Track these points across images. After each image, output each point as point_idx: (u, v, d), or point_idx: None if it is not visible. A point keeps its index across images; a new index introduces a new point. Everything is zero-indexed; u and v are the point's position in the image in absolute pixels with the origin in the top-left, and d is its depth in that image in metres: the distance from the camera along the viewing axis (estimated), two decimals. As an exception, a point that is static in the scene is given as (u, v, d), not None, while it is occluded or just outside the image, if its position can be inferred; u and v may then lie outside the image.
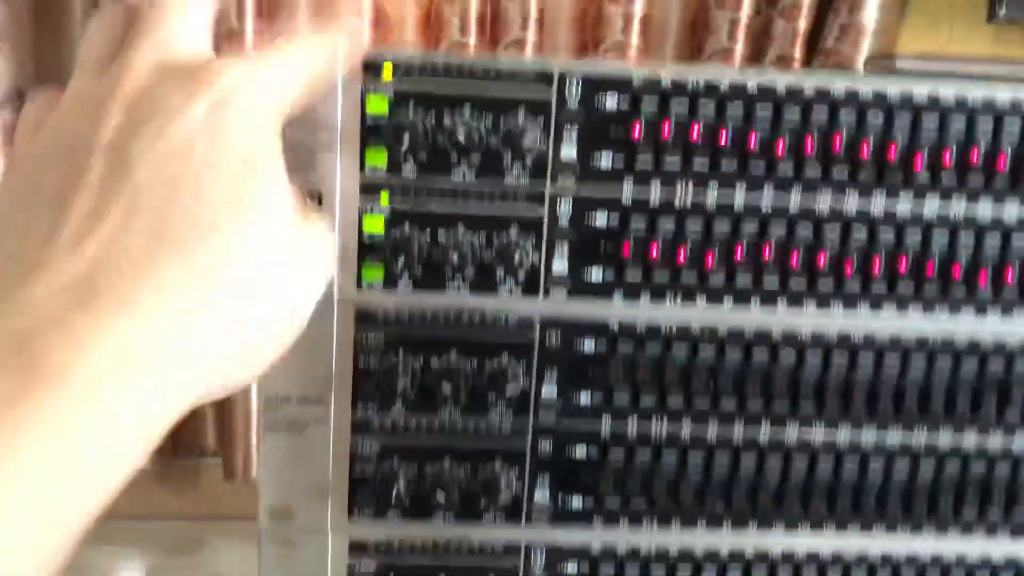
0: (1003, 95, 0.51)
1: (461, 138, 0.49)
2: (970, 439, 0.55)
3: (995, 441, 0.55)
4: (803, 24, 1.65)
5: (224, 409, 1.71)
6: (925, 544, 0.56)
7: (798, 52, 1.66)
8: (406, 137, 0.48)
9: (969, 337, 0.53)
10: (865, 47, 1.65)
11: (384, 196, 0.50)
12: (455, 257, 0.50)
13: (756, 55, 1.70)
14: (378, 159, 0.49)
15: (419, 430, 0.53)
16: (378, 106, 0.49)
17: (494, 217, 0.50)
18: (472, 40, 1.60)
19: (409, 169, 0.50)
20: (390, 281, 0.51)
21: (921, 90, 0.51)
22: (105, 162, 0.31)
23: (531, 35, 1.60)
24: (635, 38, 1.62)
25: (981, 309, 0.53)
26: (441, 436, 0.53)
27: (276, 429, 0.52)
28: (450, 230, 0.50)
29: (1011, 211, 0.52)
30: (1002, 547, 0.56)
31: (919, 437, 0.55)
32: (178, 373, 0.31)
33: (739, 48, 1.62)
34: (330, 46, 0.42)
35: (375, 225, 0.50)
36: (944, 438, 0.55)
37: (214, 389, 0.35)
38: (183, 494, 1.77)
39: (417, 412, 0.52)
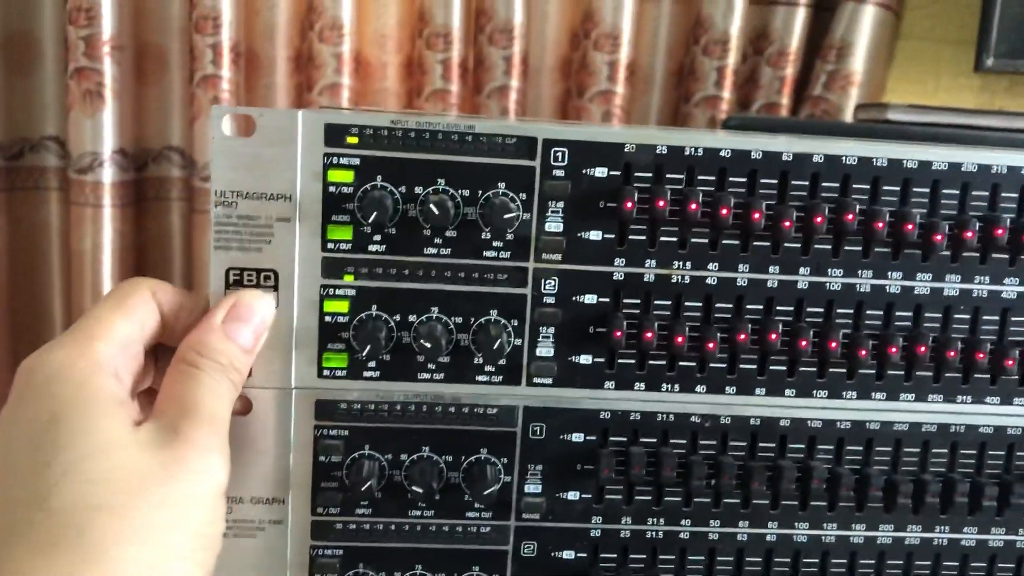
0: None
1: (435, 212, 0.44)
2: (997, 534, 0.50)
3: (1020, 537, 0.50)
4: (789, 71, 1.62)
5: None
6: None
7: (785, 99, 1.63)
8: (374, 211, 0.43)
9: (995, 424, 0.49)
10: (854, 95, 1.63)
11: (348, 275, 0.45)
12: (427, 342, 0.45)
13: (744, 103, 1.67)
14: (342, 234, 0.44)
15: (387, 533, 0.47)
16: (342, 175, 0.44)
17: (472, 297, 0.45)
18: (455, 87, 1.56)
19: (376, 245, 0.45)
20: (355, 369, 0.45)
21: (961, 158, 0.46)
22: None
23: (515, 81, 1.57)
24: (621, 86, 1.59)
25: (979, 394, 0.48)
26: (412, 539, 0.47)
27: (225, 533, 0.46)
28: (422, 312, 0.45)
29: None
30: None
31: (940, 533, 0.50)
32: None
33: (726, 95, 1.59)
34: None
35: (338, 307, 0.45)
36: (967, 535, 0.50)
37: None
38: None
39: (385, 514, 0.47)
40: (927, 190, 0.46)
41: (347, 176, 0.44)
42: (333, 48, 1.45)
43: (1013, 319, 0.48)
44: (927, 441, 0.49)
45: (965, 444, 0.49)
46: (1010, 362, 0.47)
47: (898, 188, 0.46)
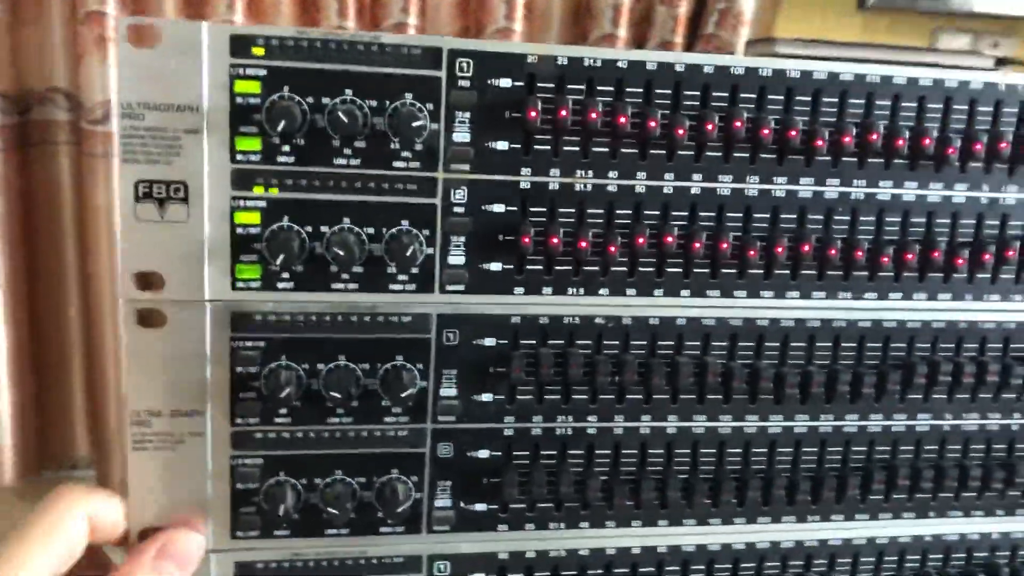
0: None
1: (343, 121, 0.45)
2: (875, 421, 0.54)
3: (899, 422, 0.55)
4: (683, 10, 1.66)
5: (98, 413, 1.58)
6: (834, 529, 0.55)
7: (679, 38, 1.67)
8: (282, 121, 0.44)
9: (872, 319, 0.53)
10: (744, 33, 1.67)
11: (259, 186, 0.45)
12: (341, 252, 0.46)
13: (639, 41, 1.70)
14: (250, 145, 0.45)
15: (307, 441, 0.48)
16: (249, 86, 0.44)
17: (383, 207, 0.47)
18: (351, 24, 1.54)
19: (286, 156, 0.45)
20: (268, 280, 0.46)
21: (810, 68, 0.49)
22: None
23: (413, 18, 1.56)
24: (519, 24, 1.60)
25: (858, 289, 0.52)
26: (331, 446, 0.49)
27: (146, 446, 0.46)
28: (334, 222, 0.46)
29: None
30: (907, 528, 0.56)
31: (824, 422, 0.54)
32: None
33: (623, 34, 1.62)
34: None
35: (250, 218, 0.45)
36: (849, 421, 0.54)
37: None
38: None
39: (304, 422, 0.48)
40: (808, 98, 0.49)
41: (254, 87, 0.44)
42: (225, -17, 1.41)
43: (887, 219, 0.52)
44: (812, 335, 0.52)
45: (846, 337, 0.53)
46: (885, 259, 0.51)
47: (782, 97, 0.49)
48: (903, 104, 0.51)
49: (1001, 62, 1.55)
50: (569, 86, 0.47)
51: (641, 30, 1.69)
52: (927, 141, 0.50)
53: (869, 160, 0.51)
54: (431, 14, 1.59)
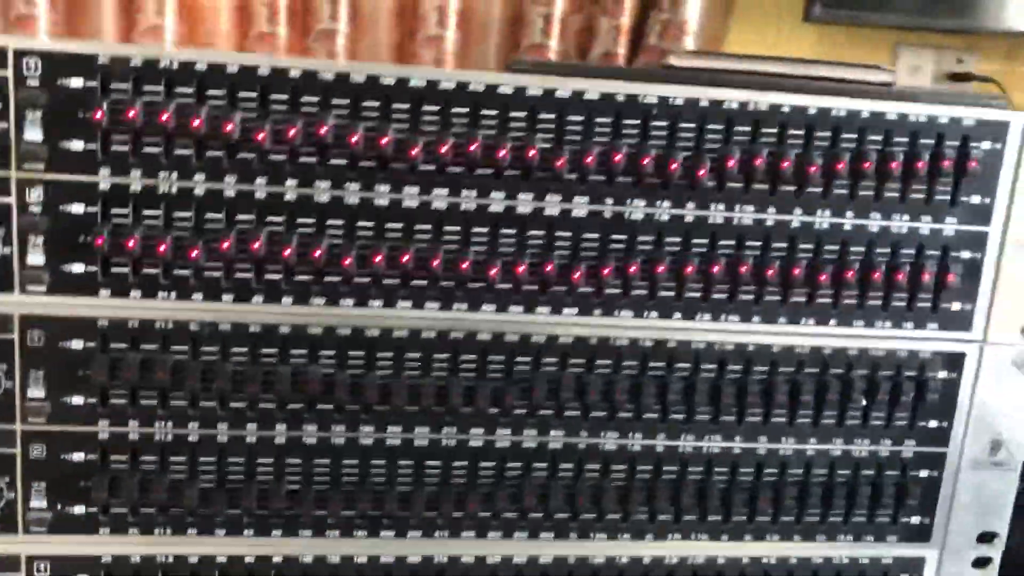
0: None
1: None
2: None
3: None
4: (625, 20, 1.63)
5: None
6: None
7: (622, 49, 1.64)
8: None
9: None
10: (688, 43, 1.64)
11: None
12: (-86, 248, 0.46)
13: (581, 53, 1.68)
14: None
15: None
16: None
17: (-44, 205, 0.47)
18: (282, 30, 1.55)
19: None
20: None
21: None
22: None
23: (342, 26, 1.56)
24: (452, 31, 1.59)
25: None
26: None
27: None
28: (-95, 219, 0.47)
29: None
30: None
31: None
32: None
33: (553, 44, 1.59)
34: None
35: None
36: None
37: None
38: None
39: None
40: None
41: None
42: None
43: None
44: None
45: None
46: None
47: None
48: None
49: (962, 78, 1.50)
50: (146, 87, 0.47)
51: (583, 40, 1.66)
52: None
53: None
54: (366, 22, 1.58)
